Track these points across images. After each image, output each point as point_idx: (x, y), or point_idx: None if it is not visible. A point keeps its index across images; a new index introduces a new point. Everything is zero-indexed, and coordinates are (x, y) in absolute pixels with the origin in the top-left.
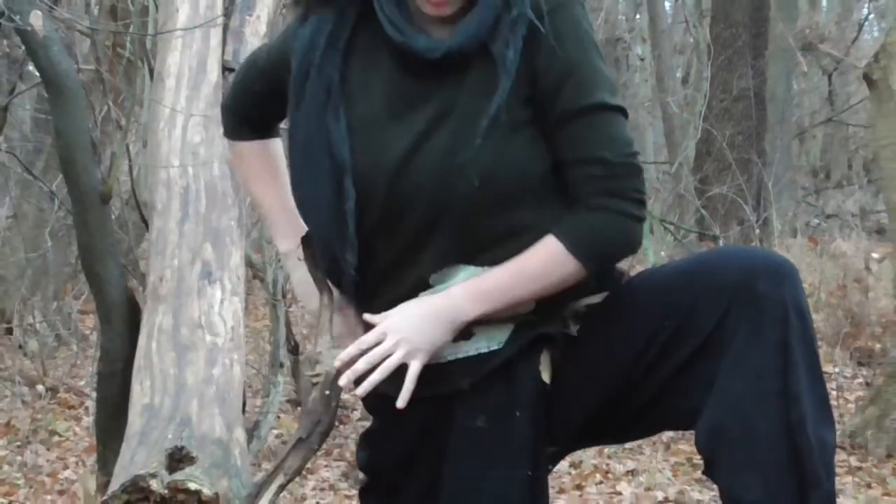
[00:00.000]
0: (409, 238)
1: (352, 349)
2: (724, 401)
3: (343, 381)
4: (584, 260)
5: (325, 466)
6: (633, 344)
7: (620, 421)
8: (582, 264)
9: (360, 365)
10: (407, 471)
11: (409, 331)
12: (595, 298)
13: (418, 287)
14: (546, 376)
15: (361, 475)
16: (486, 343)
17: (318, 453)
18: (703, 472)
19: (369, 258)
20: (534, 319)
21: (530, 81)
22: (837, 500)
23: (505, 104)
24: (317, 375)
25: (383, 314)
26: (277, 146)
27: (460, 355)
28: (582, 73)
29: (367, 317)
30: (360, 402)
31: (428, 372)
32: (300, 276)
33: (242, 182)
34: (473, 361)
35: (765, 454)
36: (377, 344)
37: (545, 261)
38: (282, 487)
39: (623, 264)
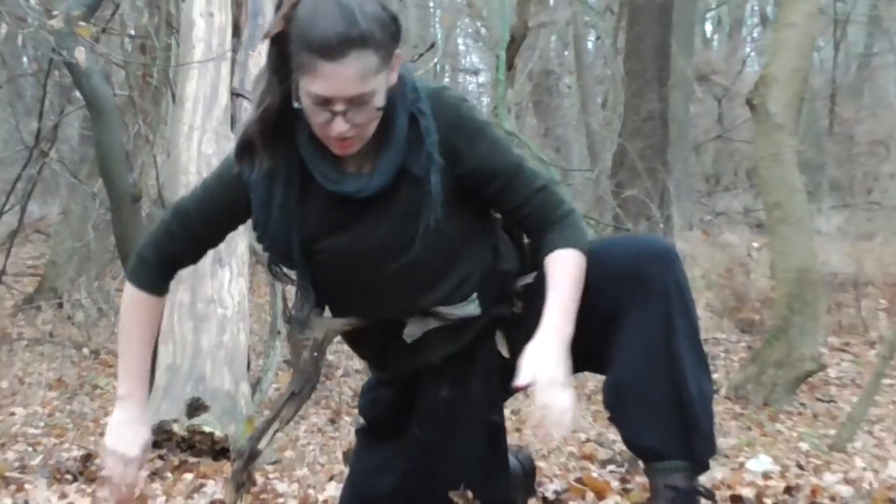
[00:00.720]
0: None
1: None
2: (620, 364)
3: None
4: (583, 251)
5: (315, 414)
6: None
7: None
8: (584, 255)
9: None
10: (388, 419)
11: (558, 374)
12: (528, 279)
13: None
14: (504, 351)
15: (361, 419)
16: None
17: (308, 403)
18: (609, 420)
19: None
20: (484, 304)
21: (456, 183)
22: (726, 440)
23: (434, 211)
24: (307, 339)
25: (531, 369)
26: (163, 305)
27: (431, 326)
28: (510, 172)
29: (520, 382)
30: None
31: (408, 349)
32: (119, 419)
33: (123, 324)
34: (443, 334)
35: (654, 405)
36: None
37: (576, 264)
38: (277, 431)
39: None
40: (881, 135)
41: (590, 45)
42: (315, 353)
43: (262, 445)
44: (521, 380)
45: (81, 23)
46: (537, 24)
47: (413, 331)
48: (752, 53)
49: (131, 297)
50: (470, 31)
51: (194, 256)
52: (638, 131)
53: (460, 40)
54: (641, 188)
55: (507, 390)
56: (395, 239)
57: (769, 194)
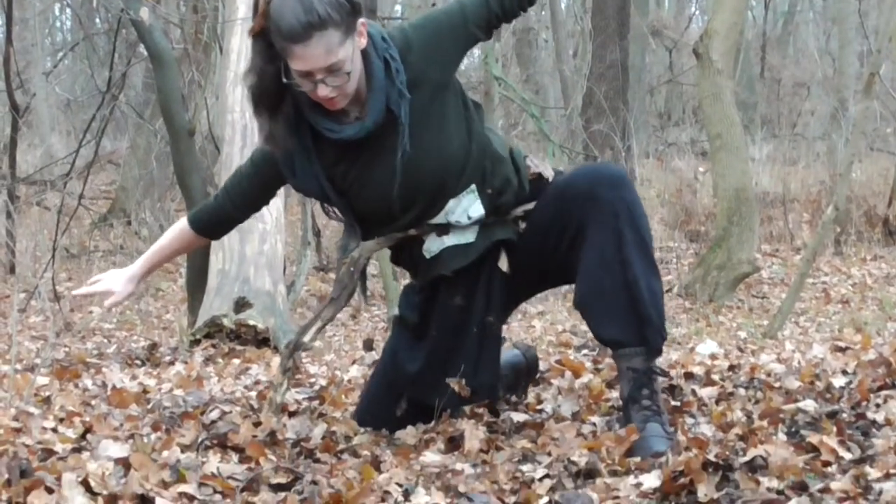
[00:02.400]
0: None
1: None
2: (583, 272)
3: None
4: None
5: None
6: (547, 235)
7: (545, 280)
8: None
9: None
10: (416, 318)
11: None
12: (529, 206)
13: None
14: (505, 267)
15: (398, 312)
16: (461, 238)
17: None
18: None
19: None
20: (491, 223)
21: (431, 84)
22: (679, 329)
23: (408, 136)
24: (346, 259)
25: None
26: (195, 241)
27: (447, 244)
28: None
29: None
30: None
31: (429, 263)
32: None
33: (164, 237)
34: (455, 251)
35: (612, 304)
36: None
37: None
38: (319, 329)
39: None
40: (803, 79)
41: (563, 5)
42: (352, 269)
43: (306, 339)
44: None
45: None
46: None
47: (430, 247)
48: (697, 12)
49: (181, 230)
50: None
51: (249, 212)
52: (602, 76)
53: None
54: (606, 123)
55: (510, 302)
56: (390, 166)
57: (712, 127)
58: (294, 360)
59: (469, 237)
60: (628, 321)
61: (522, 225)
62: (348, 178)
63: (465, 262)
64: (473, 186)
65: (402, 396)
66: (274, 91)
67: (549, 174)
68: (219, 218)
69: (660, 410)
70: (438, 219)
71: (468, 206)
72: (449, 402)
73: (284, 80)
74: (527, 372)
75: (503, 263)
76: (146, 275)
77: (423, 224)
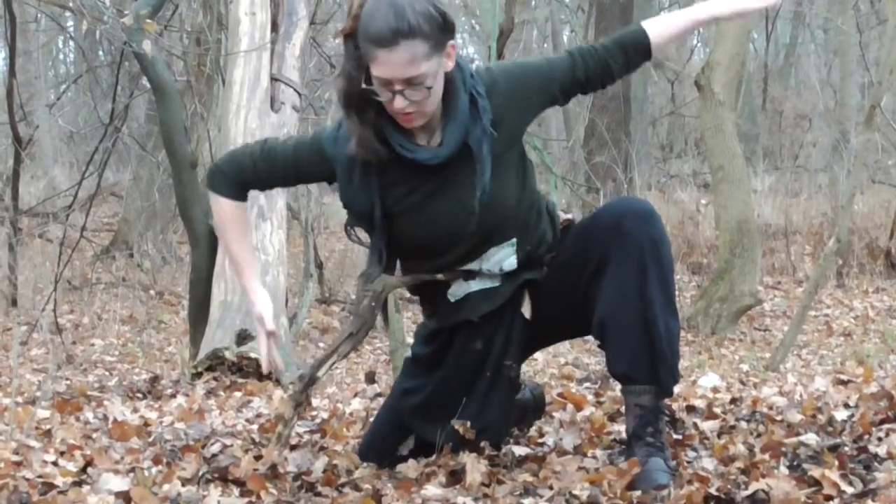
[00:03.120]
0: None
1: None
2: (604, 304)
3: None
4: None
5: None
6: (569, 270)
7: (565, 324)
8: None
9: None
10: (429, 358)
11: None
12: (546, 255)
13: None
14: (528, 314)
15: (410, 352)
16: (487, 283)
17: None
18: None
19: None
20: (517, 271)
21: (509, 132)
22: (681, 361)
23: (489, 177)
24: (367, 291)
25: None
26: (245, 208)
27: (474, 289)
28: (562, 70)
29: None
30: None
31: (452, 306)
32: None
33: (218, 226)
34: (481, 296)
35: (628, 340)
36: None
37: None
38: (334, 363)
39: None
40: (805, 110)
41: (565, 38)
42: (373, 303)
43: (319, 374)
44: None
45: (148, 20)
46: (522, 20)
47: (456, 291)
48: (699, 44)
49: (220, 205)
50: (465, 27)
51: (263, 188)
52: (605, 108)
53: (458, 35)
54: (608, 155)
55: (529, 347)
56: (459, 203)
57: (714, 159)
58: (306, 396)
59: (496, 282)
60: (642, 359)
61: (545, 268)
62: (405, 203)
63: (491, 308)
64: (514, 240)
65: (408, 436)
66: (360, 96)
67: (576, 219)
68: (249, 180)
69: (663, 447)
70: (471, 265)
71: (503, 259)
72: (452, 438)
73: (364, 85)
74: (533, 409)
75: (526, 309)
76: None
77: (453, 269)
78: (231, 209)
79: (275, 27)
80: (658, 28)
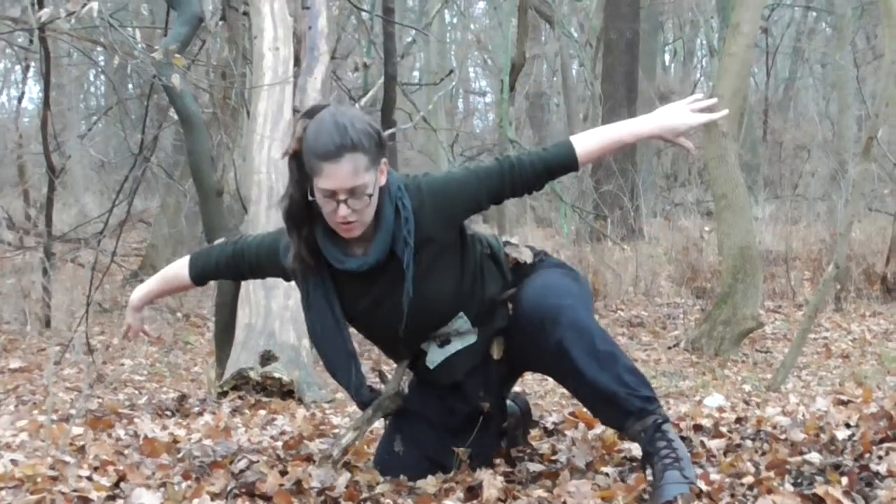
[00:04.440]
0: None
1: None
2: (561, 381)
3: None
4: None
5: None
6: (522, 346)
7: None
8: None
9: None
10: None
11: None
12: (508, 293)
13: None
14: (496, 354)
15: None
16: (464, 342)
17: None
18: None
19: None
20: (488, 321)
21: (438, 243)
22: (685, 382)
23: (412, 282)
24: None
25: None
26: (185, 284)
27: (451, 352)
28: (482, 184)
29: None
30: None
31: (433, 372)
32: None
33: (167, 269)
34: (462, 355)
35: (589, 403)
36: None
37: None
38: (355, 439)
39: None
40: (804, 141)
41: (574, 71)
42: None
43: (344, 442)
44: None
45: (176, 55)
46: (532, 55)
47: (434, 358)
48: (702, 78)
49: (180, 266)
50: (479, 61)
51: (234, 279)
52: None
53: (471, 68)
54: (616, 184)
55: (506, 380)
56: (392, 302)
57: (717, 188)
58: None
59: (471, 339)
60: (607, 409)
61: (510, 307)
62: (355, 309)
63: (473, 363)
64: (461, 314)
65: (397, 437)
66: (304, 212)
67: (524, 258)
68: (212, 275)
69: (678, 457)
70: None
71: (458, 327)
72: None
73: (310, 198)
74: (522, 418)
75: (495, 351)
76: (145, 305)
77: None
78: (179, 272)
79: (297, 62)
80: (585, 146)
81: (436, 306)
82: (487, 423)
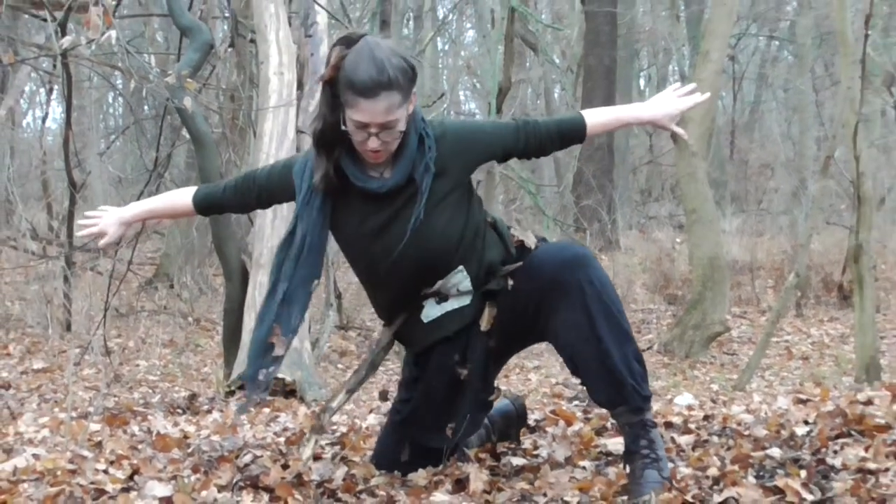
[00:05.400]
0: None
1: None
2: (565, 348)
3: None
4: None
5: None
6: (524, 312)
7: (525, 341)
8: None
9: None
10: (413, 378)
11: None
12: (511, 267)
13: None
14: (484, 325)
15: (401, 376)
16: (459, 302)
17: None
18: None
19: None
20: (484, 286)
21: (452, 178)
22: (658, 382)
23: (423, 207)
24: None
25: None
26: (187, 208)
27: (447, 309)
28: (500, 135)
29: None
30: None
31: (427, 327)
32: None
33: (171, 193)
34: (453, 315)
35: (592, 375)
36: None
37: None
38: (346, 399)
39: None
40: (768, 160)
41: (556, 95)
42: (374, 348)
43: (334, 405)
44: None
45: (188, 79)
46: (518, 79)
47: (430, 312)
48: None
49: (186, 192)
50: (469, 85)
51: (233, 211)
52: (591, 158)
53: (461, 92)
54: (594, 199)
55: (496, 358)
56: (399, 227)
57: (688, 203)
58: (321, 422)
59: (465, 300)
60: (609, 387)
61: (511, 282)
62: (358, 231)
63: (463, 324)
64: (461, 268)
65: (406, 443)
66: (333, 137)
67: (530, 242)
68: (216, 203)
69: (658, 457)
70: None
71: (459, 283)
72: (444, 442)
73: (343, 127)
74: (517, 419)
75: (483, 322)
76: (136, 222)
77: (417, 299)
78: (183, 196)
79: (300, 86)
80: (593, 119)
81: (439, 243)
82: (469, 394)
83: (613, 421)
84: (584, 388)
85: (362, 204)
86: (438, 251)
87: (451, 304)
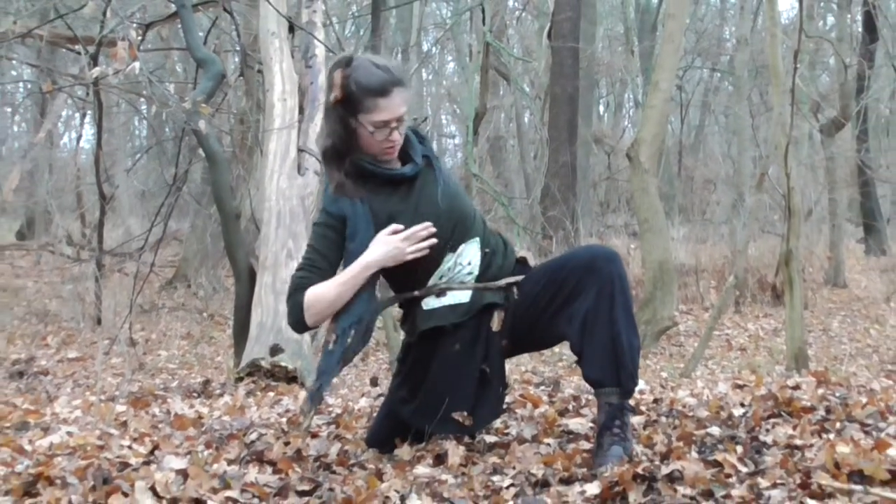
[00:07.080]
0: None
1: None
2: (579, 322)
3: None
4: None
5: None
6: (541, 295)
7: (534, 338)
8: None
9: None
10: (413, 368)
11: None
12: (517, 278)
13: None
14: (495, 327)
15: (397, 365)
16: (456, 299)
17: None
18: (576, 363)
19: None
20: (482, 288)
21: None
22: None
23: (446, 179)
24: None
25: None
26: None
27: (445, 303)
28: None
29: None
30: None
31: (425, 314)
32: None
33: (318, 304)
34: (450, 309)
35: (598, 351)
36: None
37: None
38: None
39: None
40: (711, 176)
41: (526, 119)
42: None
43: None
44: None
45: (203, 105)
46: (492, 105)
47: (430, 302)
48: (629, 124)
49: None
50: (449, 110)
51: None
52: (556, 174)
53: (443, 116)
54: (559, 210)
55: (505, 353)
56: (429, 202)
57: (640, 213)
58: (314, 403)
59: (463, 298)
60: (610, 367)
61: (516, 292)
62: (401, 218)
63: (457, 319)
64: (477, 238)
65: (403, 430)
66: (342, 149)
67: (533, 262)
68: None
69: (626, 437)
70: (448, 262)
71: (472, 256)
72: (443, 428)
73: (370, 129)
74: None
75: (494, 323)
76: None
77: (425, 284)
78: (322, 293)
79: (301, 110)
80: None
81: (462, 200)
82: (488, 389)
83: (590, 397)
84: (582, 364)
85: (390, 199)
86: (463, 208)
87: (449, 300)
